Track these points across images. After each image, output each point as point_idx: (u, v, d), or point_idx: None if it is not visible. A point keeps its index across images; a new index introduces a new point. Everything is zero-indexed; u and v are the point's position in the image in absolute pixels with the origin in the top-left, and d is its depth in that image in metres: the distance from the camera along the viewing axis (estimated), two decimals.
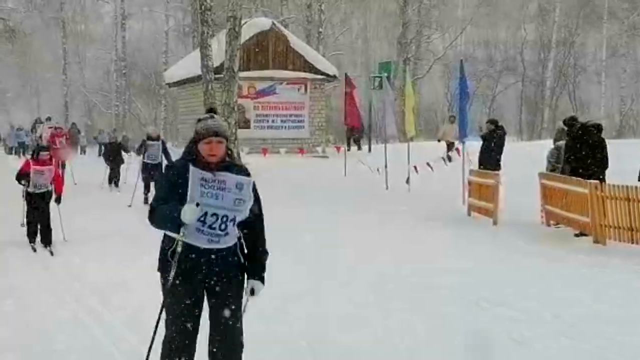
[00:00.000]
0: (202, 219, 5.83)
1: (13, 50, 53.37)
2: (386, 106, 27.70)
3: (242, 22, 31.18)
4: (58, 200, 14.80)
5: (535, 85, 68.68)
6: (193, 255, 5.88)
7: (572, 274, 11.88)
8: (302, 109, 37.45)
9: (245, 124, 35.26)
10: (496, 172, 18.44)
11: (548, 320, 9.22)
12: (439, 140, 32.28)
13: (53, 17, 65.91)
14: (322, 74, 37.91)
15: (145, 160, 21.86)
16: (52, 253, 14.00)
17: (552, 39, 65.04)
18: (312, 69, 37.57)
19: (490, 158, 20.01)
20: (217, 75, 31.10)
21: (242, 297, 6.11)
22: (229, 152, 6.19)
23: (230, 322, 6.02)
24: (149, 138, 22.27)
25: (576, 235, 15.15)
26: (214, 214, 5.86)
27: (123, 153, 26.39)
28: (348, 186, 24.30)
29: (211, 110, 6.29)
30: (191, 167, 5.89)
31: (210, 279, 5.97)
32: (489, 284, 11.01)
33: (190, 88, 38.77)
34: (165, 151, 21.86)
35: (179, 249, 5.81)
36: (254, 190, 6.20)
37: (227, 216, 5.91)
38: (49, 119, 39.22)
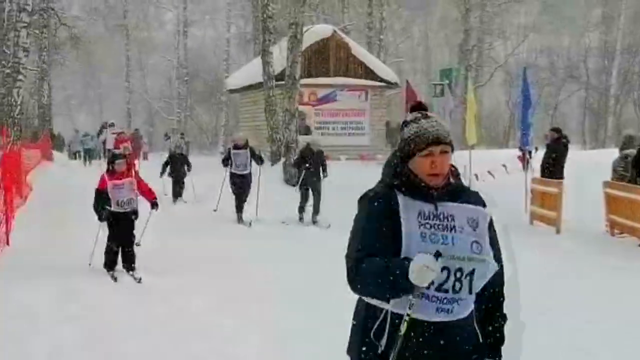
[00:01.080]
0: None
1: (77, 57, 54.04)
2: (445, 114, 27.59)
3: (304, 29, 31.27)
4: (155, 206, 13.03)
5: (599, 93, 67.81)
6: (416, 334, 3.81)
7: (636, 284, 11.72)
8: (362, 116, 37.37)
9: (306, 131, 35.29)
10: (559, 180, 18.25)
11: (613, 330, 9.11)
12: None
13: (116, 24, 66.84)
14: (383, 81, 37.78)
15: (232, 171, 19.55)
16: (140, 280, 12.00)
17: (617, 46, 64.08)
18: (372, 76, 37.47)
19: (554, 166, 19.80)
20: (278, 82, 31.20)
21: None
22: (452, 168, 4.14)
23: None
24: (236, 147, 19.78)
25: None
26: (444, 268, 3.74)
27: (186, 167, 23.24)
28: None
29: (420, 107, 4.15)
30: (400, 197, 3.91)
31: None
32: (552, 294, 10.89)
33: (252, 95, 38.93)
34: (255, 157, 19.73)
35: (403, 328, 3.74)
36: (490, 226, 4.15)
37: (462, 270, 3.81)
38: (112, 124, 38.54)
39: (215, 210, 20.11)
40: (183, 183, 23.01)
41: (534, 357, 8.06)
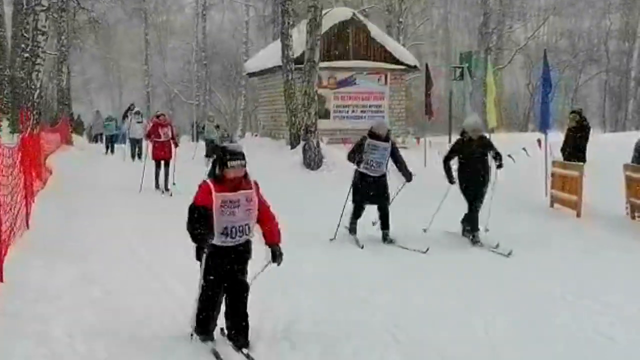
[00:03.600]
0: None
1: (96, 41, 54.23)
2: (465, 97, 27.52)
3: (323, 12, 31.17)
4: (277, 257, 7.94)
5: (619, 75, 67.42)
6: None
7: None
8: (382, 100, 37.26)
9: (325, 115, 35.22)
10: (580, 163, 18.13)
11: (634, 314, 9.06)
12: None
13: (135, 8, 66.85)
14: (403, 64, 37.65)
15: (361, 170, 14.13)
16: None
17: (638, 29, 63.65)
18: (392, 59, 37.34)
19: (575, 149, 19.68)
20: (297, 66, 31.16)
21: None
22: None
23: None
24: (373, 135, 14.18)
25: None
26: None
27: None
28: (428, 177, 24.12)
29: None
30: None
31: None
32: (573, 277, 10.84)
33: (271, 78, 38.90)
34: (396, 157, 14.26)
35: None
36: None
37: None
38: (137, 112, 34.41)
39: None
40: None
41: (554, 341, 8.04)
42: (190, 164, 25.41)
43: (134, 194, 20.29)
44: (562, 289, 10.03)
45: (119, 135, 38.20)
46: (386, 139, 14.20)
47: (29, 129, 18.65)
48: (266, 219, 7.94)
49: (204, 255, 7.74)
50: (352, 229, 14.22)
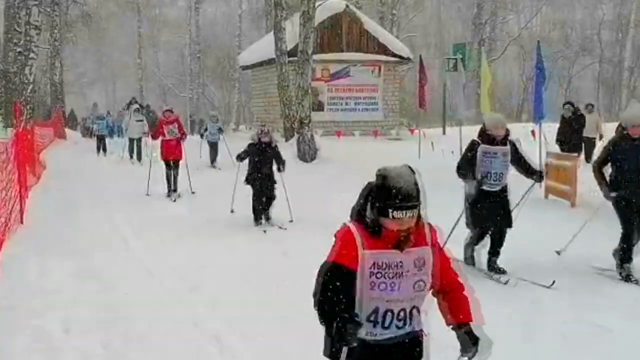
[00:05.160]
0: None
1: (89, 35, 54.11)
2: (459, 88, 27.57)
3: (316, 4, 31.15)
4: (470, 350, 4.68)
5: (612, 66, 67.49)
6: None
7: None
8: (375, 92, 37.30)
9: (319, 107, 35.22)
10: (574, 154, 18.16)
11: (630, 306, 9.07)
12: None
13: (128, 1, 66.70)
14: (396, 56, 37.69)
15: (481, 188, 10.65)
16: None
17: (631, 19, 63.57)
18: (385, 51, 37.38)
19: (571, 140, 19.68)
20: (290, 58, 31.15)
21: None
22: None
23: None
24: (487, 138, 10.75)
25: None
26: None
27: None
28: (423, 169, 24.08)
29: None
30: None
31: None
32: (568, 269, 10.83)
33: (264, 71, 38.91)
34: (518, 158, 11.04)
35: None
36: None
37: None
38: (133, 102, 32.55)
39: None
40: (271, 198, 15.02)
41: (552, 333, 8.04)
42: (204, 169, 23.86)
43: (128, 186, 20.15)
44: (557, 281, 10.01)
45: (114, 129, 36.91)
46: (504, 140, 10.77)
47: (22, 123, 18.62)
48: (449, 285, 4.79)
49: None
50: (471, 258, 11.15)
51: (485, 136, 10.65)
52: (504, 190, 10.84)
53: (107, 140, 32.47)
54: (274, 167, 14.97)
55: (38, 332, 8.01)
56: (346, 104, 36.80)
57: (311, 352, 5.29)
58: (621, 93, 65.19)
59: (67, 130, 41.51)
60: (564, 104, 22.25)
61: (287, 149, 26.38)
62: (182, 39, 69.67)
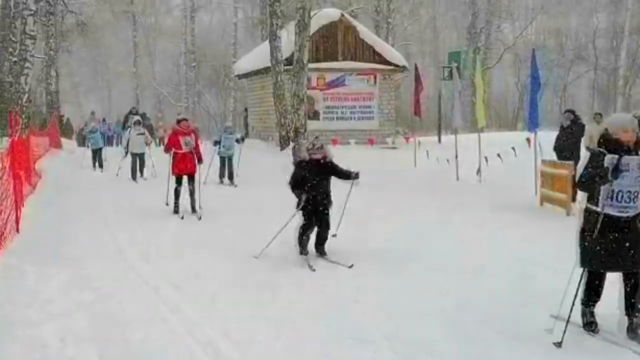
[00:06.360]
0: None
1: (85, 44, 54.13)
2: (454, 97, 27.60)
3: (311, 13, 31.20)
4: None
5: (607, 73, 67.52)
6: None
7: None
8: (371, 100, 37.30)
9: (315, 116, 35.24)
10: (569, 162, 18.16)
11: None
12: (587, 148, 28.65)
13: (124, 10, 66.79)
14: (392, 64, 37.71)
15: (598, 210, 8.14)
16: None
17: (625, 27, 63.70)
18: (381, 59, 37.39)
19: (569, 148, 19.61)
20: (286, 67, 31.20)
21: None
22: None
23: None
24: (613, 145, 7.97)
25: None
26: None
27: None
28: (418, 177, 24.17)
29: None
30: None
31: None
32: (564, 276, 10.84)
33: (260, 80, 38.90)
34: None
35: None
36: None
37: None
38: (138, 121, 26.51)
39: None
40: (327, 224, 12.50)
41: (545, 335, 8.06)
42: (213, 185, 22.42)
43: (125, 196, 20.20)
44: (552, 287, 10.02)
45: (113, 137, 35.84)
46: (636, 148, 7.92)
47: (18, 133, 18.60)
48: None
49: None
50: (590, 323, 8.57)
51: (613, 141, 7.92)
52: (638, 216, 8.04)
53: (104, 150, 30.10)
54: (330, 186, 12.48)
55: (33, 341, 8.00)
56: (342, 112, 36.78)
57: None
58: (616, 101, 65.23)
59: (62, 139, 41.37)
60: (564, 112, 22.14)
61: (282, 158, 26.44)
62: (177, 47, 69.82)
